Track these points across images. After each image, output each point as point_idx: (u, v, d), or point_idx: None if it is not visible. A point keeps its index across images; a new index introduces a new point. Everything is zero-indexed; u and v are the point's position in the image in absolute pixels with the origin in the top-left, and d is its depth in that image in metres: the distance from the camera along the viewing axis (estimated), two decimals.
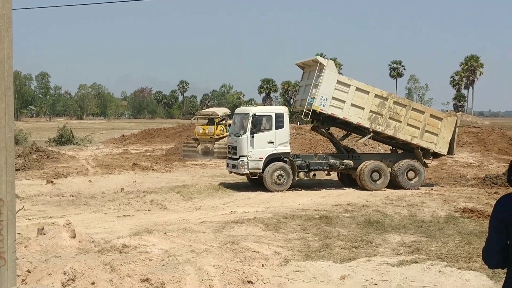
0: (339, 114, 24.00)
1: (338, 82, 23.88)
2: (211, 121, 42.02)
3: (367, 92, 24.24)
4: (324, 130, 25.88)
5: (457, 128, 25.57)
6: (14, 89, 8.53)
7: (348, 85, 24.06)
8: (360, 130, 24.95)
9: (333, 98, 23.70)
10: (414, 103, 26.16)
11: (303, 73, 26.06)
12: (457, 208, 19.01)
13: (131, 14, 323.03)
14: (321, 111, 23.76)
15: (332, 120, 24.87)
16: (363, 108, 24.08)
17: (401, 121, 24.41)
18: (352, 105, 23.96)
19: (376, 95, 24.27)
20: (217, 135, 40.01)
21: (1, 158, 8.18)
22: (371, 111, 24.15)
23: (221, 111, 44.33)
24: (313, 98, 23.61)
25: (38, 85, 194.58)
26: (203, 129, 41.44)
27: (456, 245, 13.59)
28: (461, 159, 37.88)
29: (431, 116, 25.03)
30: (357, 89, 24.15)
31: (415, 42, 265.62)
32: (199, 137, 41.07)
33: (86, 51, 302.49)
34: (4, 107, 8.19)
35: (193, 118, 50.61)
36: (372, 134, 24.59)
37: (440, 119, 24.96)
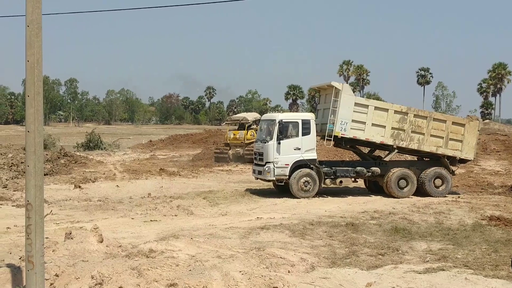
0: (361, 136, 23.94)
1: (356, 104, 23.82)
2: (241, 126, 42.29)
3: (386, 110, 24.17)
4: (348, 147, 25.93)
5: (477, 132, 25.35)
6: (43, 94, 8.62)
7: (366, 106, 24.01)
8: (385, 146, 24.80)
9: (353, 121, 23.65)
10: (435, 113, 25.98)
11: (320, 96, 26.01)
12: (484, 216, 18.84)
13: (162, 21, 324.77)
14: (342, 135, 23.73)
15: (355, 142, 24.76)
16: (384, 126, 24.00)
17: (424, 133, 24.28)
18: (373, 124, 23.89)
19: (395, 111, 24.17)
20: (247, 139, 40.18)
21: (30, 163, 8.29)
22: (392, 128, 24.05)
23: (252, 116, 44.51)
24: (333, 123, 23.59)
25: (66, 90, 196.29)
26: (234, 134, 41.87)
27: (483, 253, 13.47)
28: (488, 167, 37.48)
29: (453, 123, 24.87)
30: (376, 108, 24.10)
31: (443, 49, 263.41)
32: (230, 142, 41.54)
33: (114, 56, 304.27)
34: (33, 112, 8.29)
35: (224, 123, 51.04)
36: (396, 150, 24.43)
37: (463, 125, 24.78)
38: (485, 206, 21.21)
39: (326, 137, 23.77)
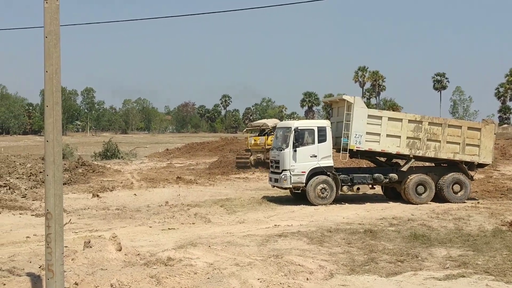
0: (377, 147, 23.88)
1: (369, 116, 23.77)
2: (262, 132, 42.61)
3: (400, 120, 24.12)
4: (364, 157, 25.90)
5: (494, 135, 25.21)
6: (61, 104, 8.69)
7: (380, 117, 23.95)
8: (401, 156, 24.66)
9: (367, 133, 23.59)
10: (449, 120, 25.83)
11: (332, 109, 25.94)
12: (504, 221, 18.67)
13: (172, 27, 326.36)
14: (357, 149, 23.69)
15: (371, 153, 24.65)
16: (399, 136, 23.91)
17: (440, 141, 24.16)
18: (388, 135, 23.82)
19: (409, 121, 24.08)
20: (268, 145, 40.34)
21: (49, 172, 8.34)
22: (408, 138, 23.96)
23: (272, 122, 44.79)
24: (347, 137, 23.55)
25: (83, 100, 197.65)
26: (254, 140, 42.27)
27: (504, 259, 13.34)
28: (508, 172, 37.20)
29: (469, 128, 24.75)
30: (389, 119, 24.05)
31: (459, 54, 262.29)
32: (251, 148, 42.01)
33: (129, 67, 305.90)
34: (52, 122, 8.35)
35: (245, 130, 51.49)
36: (413, 160, 24.30)
37: (479, 129, 24.64)
38: (505, 211, 21.04)
39: (341, 151, 23.74)
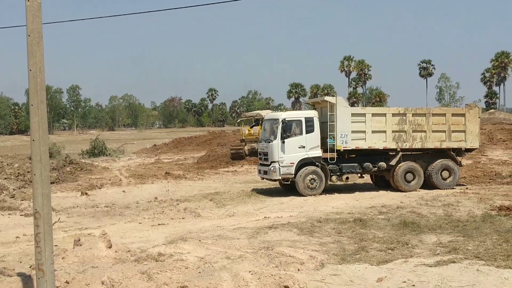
0: (363, 145, 23.99)
1: (353, 114, 23.94)
2: (256, 122, 42.86)
3: (384, 114, 24.33)
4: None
5: (479, 119, 25.38)
6: (47, 103, 8.64)
7: (363, 114, 24.13)
8: (389, 151, 24.64)
9: (353, 131, 23.73)
10: (432, 109, 26.07)
11: (315, 109, 25.97)
12: (493, 206, 18.81)
13: (155, 22, 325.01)
14: (344, 148, 23.76)
15: (358, 151, 24.49)
16: (384, 131, 24.08)
17: (425, 131, 24.33)
18: (373, 131, 23.97)
19: (393, 114, 24.28)
20: None
21: (36, 171, 8.29)
22: (393, 131, 24.11)
23: (265, 112, 45.00)
24: (333, 137, 23.66)
25: (69, 98, 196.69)
26: (248, 130, 42.44)
27: (494, 243, 13.42)
28: (496, 157, 37.42)
29: (453, 115, 24.96)
30: (373, 114, 24.26)
31: (444, 41, 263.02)
32: (245, 138, 42.44)
33: (113, 62, 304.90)
34: (37, 121, 8.29)
35: (239, 120, 51.82)
36: (401, 153, 24.34)
37: (463, 115, 24.84)
38: (494, 196, 21.18)
39: (328, 151, 23.78)
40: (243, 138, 43.47)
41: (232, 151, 42.53)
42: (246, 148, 41.66)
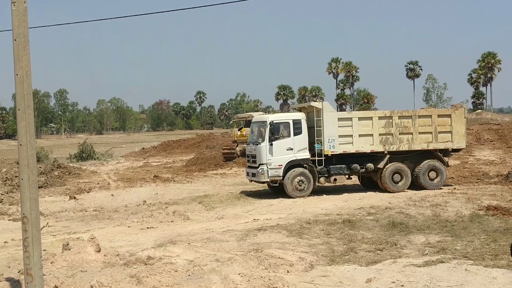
0: (351, 149, 24.00)
1: (339, 119, 23.96)
2: (248, 123, 43.12)
3: (370, 118, 24.37)
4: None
5: (465, 119, 25.50)
6: (34, 107, 8.63)
7: (350, 118, 24.17)
8: (376, 154, 24.63)
9: (340, 136, 23.74)
10: (418, 110, 26.07)
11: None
12: (481, 206, 18.90)
13: (142, 25, 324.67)
14: (332, 153, 23.79)
15: (346, 155, 24.31)
16: (371, 135, 24.10)
17: (412, 133, 24.40)
18: (360, 135, 23.99)
19: (379, 117, 24.34)
20: None
21: (24, 176, 8.28)
22: (380, 134, 24.15)
23: (257, 114, 45.29)
24: (320, 142, 23.71)
25: (56, 102, 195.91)
26: (240, 131, 42.60)
27: (482, 243, 13.50)
28: (483, 157, 37.63)
29: (439, 116, 25.05)
30: (360, 118, 24.29)
31: (430, 42, 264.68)
32: (237, 139, 42.82)
33: (101, 66, 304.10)
34: (25, 125, 8.28)
35: (231, 121, 52.22)
36: (388, 155, 24.39)
37: (449, 115, 24.95)
38: (482, 196, 21.27)
39: (316, 157, 23.79)
40: (235, 139, 43.67)
41: (224, 152, 42.88)
42: (238, 149, 41.89)
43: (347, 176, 24.94)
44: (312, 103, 24.56)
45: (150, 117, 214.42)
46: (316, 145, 23.71)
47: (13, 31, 8.31)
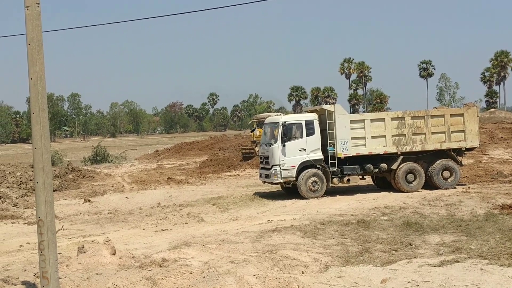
0: (364, 151, 23.98)
1: (352, 121, 23.95)
2: (258, 125, 43.75)
3: (383, 119, 24.32)
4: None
5: (477, 118, 25.40)
6: (48, 111, 8.69)
7: (362, 120, 24.15)
8: (390, 155, 24.54)
9: (352, 138, 23.73)
10: (431, 110, 25.96)
11: None
12: (495, 205, 18.79)
13: (154, 28, 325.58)
14: (345, 155, 23.77)
15: (359, 157, 24.29)
16: (384, 136, 24.05)
17: (425, 133, 24.32)
18: (373, 137, 23.96)
19: (392, 118, 24.28)
20: None
21: (39, 179, 8.32)
22: (393, 136, 24.09)
23: (275, 114, 45.84)
24: (333, 145, 23.70)
25: (70, 105, 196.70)
26: (259, 132, 43.02)
27: (497, 242, 13.42)
28: (497, 156, 37.37)
29: (452, 115, 24.94)
30: (372, 120, 24.25)
31: (443, 41, 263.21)
32: (256, 139, 42.88)
33: (114, 69, 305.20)
34: (39, 128, 8.32)
35: (250, 122, 52.58)
36: (402, 156, 24.32)
37: (461, 115, 24.85)
38: (496, 195, 21.15)
39: (329, 159, 23.77)
40: (254, 139, 43.91)
41: (243, 152, 43.69)
42: (256, 148, 42.15)
43: (360, 177, 24.89)
44: (324, 106, 24.57)
45: (163, 120, 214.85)
46: (329, 147, 23.68)
47: (27, 35, 8.36)
